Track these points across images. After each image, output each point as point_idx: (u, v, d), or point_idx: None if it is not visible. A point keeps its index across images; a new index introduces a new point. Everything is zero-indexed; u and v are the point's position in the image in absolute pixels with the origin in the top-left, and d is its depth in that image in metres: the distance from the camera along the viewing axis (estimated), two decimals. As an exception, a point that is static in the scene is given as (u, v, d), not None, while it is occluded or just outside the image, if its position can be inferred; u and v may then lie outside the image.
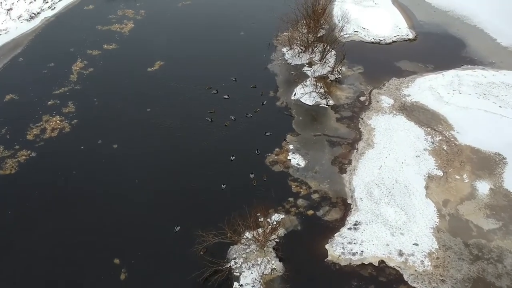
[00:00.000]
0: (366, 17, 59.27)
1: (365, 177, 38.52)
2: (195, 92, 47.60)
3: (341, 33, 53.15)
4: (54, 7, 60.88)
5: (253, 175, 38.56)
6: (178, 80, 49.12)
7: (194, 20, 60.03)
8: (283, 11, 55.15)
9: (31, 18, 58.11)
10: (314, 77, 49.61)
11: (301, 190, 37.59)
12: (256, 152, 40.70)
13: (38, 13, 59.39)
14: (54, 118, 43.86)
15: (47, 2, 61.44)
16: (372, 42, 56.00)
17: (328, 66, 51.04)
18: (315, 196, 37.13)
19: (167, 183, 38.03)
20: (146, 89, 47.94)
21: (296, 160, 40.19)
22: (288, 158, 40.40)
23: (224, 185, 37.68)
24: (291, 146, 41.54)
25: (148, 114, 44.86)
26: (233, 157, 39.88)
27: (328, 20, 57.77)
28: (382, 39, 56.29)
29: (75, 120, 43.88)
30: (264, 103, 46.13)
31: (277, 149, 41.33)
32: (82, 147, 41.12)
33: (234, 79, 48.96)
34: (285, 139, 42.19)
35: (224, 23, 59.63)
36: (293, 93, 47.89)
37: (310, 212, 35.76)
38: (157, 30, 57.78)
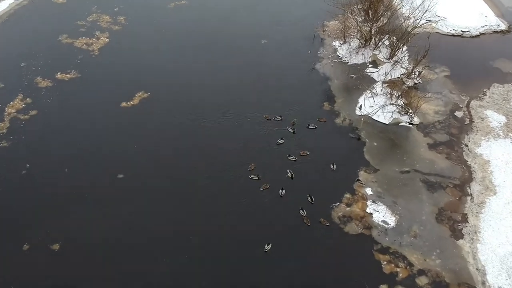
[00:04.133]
0: (440, 2, 44.36)
1: (497, 246, 24.11)
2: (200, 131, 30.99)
3: (410, 22, 38.56)
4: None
5: (304, 211, 25.86)
6: (168, 116, 31.97)
7: (193, 26, 41.16)
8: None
9: (-5, 0, 43.61)
10: (385, 82, 35.08)
11: (398, 269, 23.20)
12: (309, 199, 26.32)
13: (5, -5, 44.78)
14: None
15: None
16: (453, 35, 41.36)
17: (401, 67, 36.46)
18: (422, 281, 22.70)
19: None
20: (117, 138, 30.46)
21: (381, 214, 25.73)
22: (367, 210, 25.94)
23: (269, 246, 23.69)
24: (368, 190, 27.07)
25: (121, 183, 27.43)
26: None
27: (388, 5, 43.01)
28: (466, 30, 41.66)
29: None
30: (310, 126, 31.56)
31: (347, 195, 26.88)
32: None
33: (279, 117, 31.88)
34: (358, 179, 27.69)
35: (237, 25, 42.00)
36: (358, 105, 33.36)
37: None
38: (141, 43, 38.78)
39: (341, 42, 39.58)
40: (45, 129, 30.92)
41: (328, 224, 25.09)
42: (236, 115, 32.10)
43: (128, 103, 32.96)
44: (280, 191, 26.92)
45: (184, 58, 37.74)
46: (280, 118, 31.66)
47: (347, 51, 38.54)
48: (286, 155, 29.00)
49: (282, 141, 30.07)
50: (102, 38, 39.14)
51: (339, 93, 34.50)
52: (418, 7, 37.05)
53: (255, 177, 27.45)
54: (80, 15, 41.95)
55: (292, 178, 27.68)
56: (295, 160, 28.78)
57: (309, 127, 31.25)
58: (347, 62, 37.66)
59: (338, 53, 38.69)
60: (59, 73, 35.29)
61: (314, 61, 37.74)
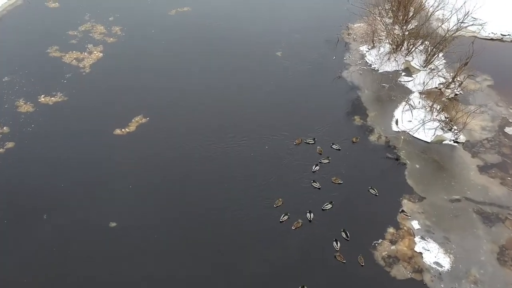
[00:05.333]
0: (474, 2, 40.35)
1: None
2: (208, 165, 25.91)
3: (448, 26, 34.64)
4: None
5: (337, 244, 22.04)
6: (171, 145, 27.14)
7: (197, 36, 36.13)
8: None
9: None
10: (422, 93, 31.14)
11: (459, 326, 19.22)
12: (344, 235, 22.43)
13: (-1, -7, 40.92)
14: None
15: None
16: (491, 39, 37.35)
17: (439, 76, 32.50)
18: None
19: None
20: (110, 176, 25.32)
21: (432, 254, 21.81)
22: (416, 249, 22.02)
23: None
24: (415, 224, 23.14)
25: (114, 234, 22.48)
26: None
27: (416, 5, 38.96)
28: (506, 34, 37.69)
29: None
30: (334, 146, 27.46)
31: (390, 229, 22.95)
32: None
33: (312, 140, 27.70)
34: (402, 210, 23.73)
35: (249, 31, 37.23)
36: (394, 120, 29.41)
37: None
38: (138, 58, 33.84)
39: (369, 47, 35.61)
40: (22, 166, 25.62)
41: (363, 264, 21.21)
42: (253, 139, 27.53)
43: (123, 130, 27.90)
44: (308, 214, 23.17)
45: (188, 74, 32.63)
46: (313, 141, 27.56)
47: (377, 57, 34.56)
48: (314, 182, 25.02)
49: (317, 168, 25.86)
50: (95, 52, 33.98)
51: (371, 106, 30.54)
52: (458, 9, 33.01)
53: (285, 217, 23.20)
54: (72, 24, 37.12)
55: (331, 206, 23.86)
56: (319, 188, 24.87)
57: (333, 146, 27.30)
58: (377, 70, 33.69)
59: (366, 59, 34.71)
60: (42, 95, 30.05)
61: (340, 68, 33.78)
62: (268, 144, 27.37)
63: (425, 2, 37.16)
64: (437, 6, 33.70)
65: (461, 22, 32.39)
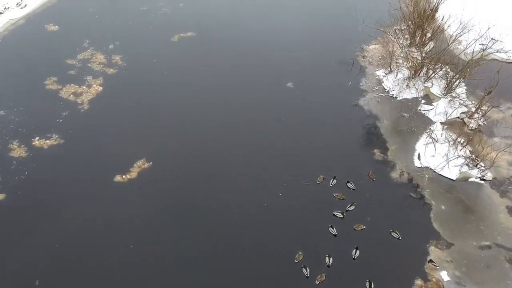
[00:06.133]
0: (492, 21, 38.81)
1: None
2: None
3: (471, 51, 33.25)
4: (25, 5, 41.07)
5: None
6: (177, 194, 25.05)
7: (202, 66, 33.91)
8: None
9: (-12, 20, 38.46)
10: (443, 123, 29.68)
11: None
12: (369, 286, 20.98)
13: (0, 13, 39.67)
14: None
15: (15, -5, 41.65)
16: (513, 62, 35.82)
17: (461, 104, 31.04)
18: None
19: None
20: (108, 236, 23.27)
21: (465, 310, 20.34)
22: (447, 305, 20.57)
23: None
24: (444, 275, 21.68)
25: None
26: None
27: (434, 27, 37.46)
28: (531, 58, 36.09)
29: None
30: (349, 184, 25.97)
31: (418, 281, 21.48)
32: None
33: (333, 179, 26.09)
34: (430, 260, 22.25)
35: (257, 59, 34.84)
36: (416, 154, 27.95)
37: None
38: (140, 93, 31.65)
39: (386, 72, 34.14)
40: (13, 223, 23.52)
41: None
42: (266, 182, 25.63)
43: (124, 176, 25.76)
44: (327, 259, 21.90)
45: (194, 110, 30.47)
46: (335, 181, 25.99)
47: (394, 83, 33.08)
48: (332, 228, 23.54)
49: (341, 215, 24.22)
50: (94, 85, 31.82)
51: (391, 138, 29.06)
52: (482, 35, 31.54)
53: (305, 272, 21.65)
54: (71, 51, 35.13)
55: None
56: (342, 217, 23.69)
57: (348, 185, 25.82)
58: (396, 97, 32.20)
59: (383, 85, 33.22)
60: (37, 138, 27.98)
61: (356, 95, 32.34)
62: (283, 186, 25.62)
63: (444, 24, 35.70)
64: (459, 32, 32.14)
65: (485, 49, 30.93)
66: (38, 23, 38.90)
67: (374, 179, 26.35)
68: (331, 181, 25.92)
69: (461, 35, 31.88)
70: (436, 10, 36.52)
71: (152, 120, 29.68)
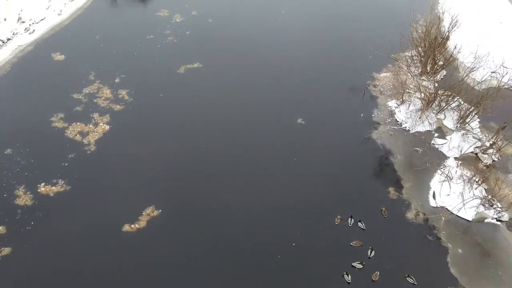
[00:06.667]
0: (503, 48, 38.68)
1: None
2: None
3: (473, 76, 33.30)
4: (33, 30, 40.90)
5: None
6: (189, 244, 24.33)
7: (209, 100, 33.12)
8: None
9: (-3, 47, 38.27)
10: (457, 159, 29.49)
11: None
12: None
13: (9, 39, 39.49)
14: None
15: (24, 21, 41.50)
16: (525, 90, 35.62)
17: (474, 137, 30.85)
18: None
19: None
20: None
21: None
22: None
23: None
24: (464, 325, 21.46)
25: None
26: None
27: (447, 55, 37.27)
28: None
29: None
30: (360, 224, 25.85)
31: (438, 332, 21.26)
32: None
33: (351, 219, 25.86)
34: (450, 310, 22.10)
35: (265, 92, 34.10)
36: (431, 193, 27.76)
37: None
38: (148, 132, 30.58)
39: (398, 103, 33.95)
40: (19, 280, 22.56)
41: None
42: (279, 228, 25.17)
43: (133, 226, 24.87)
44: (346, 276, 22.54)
45: (201, 151, 29.40)
46: (353, 220, 25.81)
47: (407, 115, 32.90)
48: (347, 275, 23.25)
49: (361, 265, 23.77)
50: (101, 124, 30.79)
51: (405, 175, 28.87)
52: (497, 69, 31.38)
53: None
54: (77, 84, 34.15)
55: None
56: (362, 267, 23.53)
57: (359, 224, 25.64)
58: (409, 130, 32.02)
59: (396, 117, 33.05)
60: (43, 184, 26.85)
61: (369, 127, 32.16)
62: (296, 231, 25.24)
63: (457, 53, 35.55)
64: (473, 62, 32.01)
65: (500, 80, 30.79)
66: (45, 51, 38.29)
67: (386, 216, 26.20)
68: (349, 221, 25.75)
69: (476, 69, 31.67)
70: (447, 39, 36.34)
71: (160, 164, 28.69)
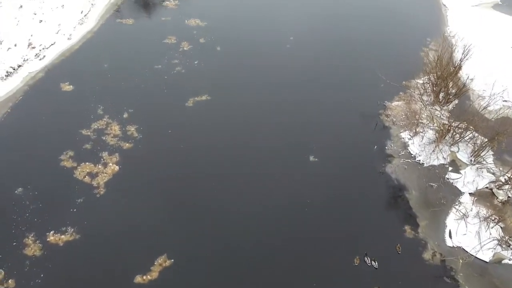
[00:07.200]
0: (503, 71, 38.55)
1: None
2: None
3: (484, 104, 33.45)
4: (44, 56, 40.85)
5: None
6: None
7: (219, 135, 32.41)
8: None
9: (8, 75, 38.15)
10: (472, 195, 29.45)
11: None
12: None
13: (20, 66, 39.41)
14: None
15: (34, 47, 41.46)
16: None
17: (488, 171, 30.82)
18: None
19: None
20: None
21: None
22: None
23: None
24: None
25: None
26: None
27: (458, 82, 37.32)
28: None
29: None
30: (373, 263, 25.78)
31: None
32: None
33: (373, 261, 25.70)
34: None
35: (276, 126, 33.52)
36: (447, 231, 27.71)
37: None
38: (159, 173, 29.63)
39: (411, 134, 33.88)
40: None
41: None
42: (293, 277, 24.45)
43: (145, 277, 23.91)
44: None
45: (213, 192, 28.49)
46: (369, 259, 25.81)
47: (420, 147, 32.84)
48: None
49: None
50: (110, 164, 29.65)
51: (421, 212, 28.81)
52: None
53: None
54: (85, 118, 32.97)
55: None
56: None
57: (372, 263, 25.57)
58: (423, 163, 31.93)
59: (409, 149, 32.93)
60: (52, 232, 25.70)
61: (382, 161, 32.06)
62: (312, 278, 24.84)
63: (469, 83, 35.57)
64: (487, 97, 32.08)
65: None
66: (54, 80, 37.10)
67: (400, 252, 26.20)
68: (369, 261, 25.63)
69: (489, 104, 31.72)
70: (460, 68, 36.35)
71: (172, 209, 27.70)
